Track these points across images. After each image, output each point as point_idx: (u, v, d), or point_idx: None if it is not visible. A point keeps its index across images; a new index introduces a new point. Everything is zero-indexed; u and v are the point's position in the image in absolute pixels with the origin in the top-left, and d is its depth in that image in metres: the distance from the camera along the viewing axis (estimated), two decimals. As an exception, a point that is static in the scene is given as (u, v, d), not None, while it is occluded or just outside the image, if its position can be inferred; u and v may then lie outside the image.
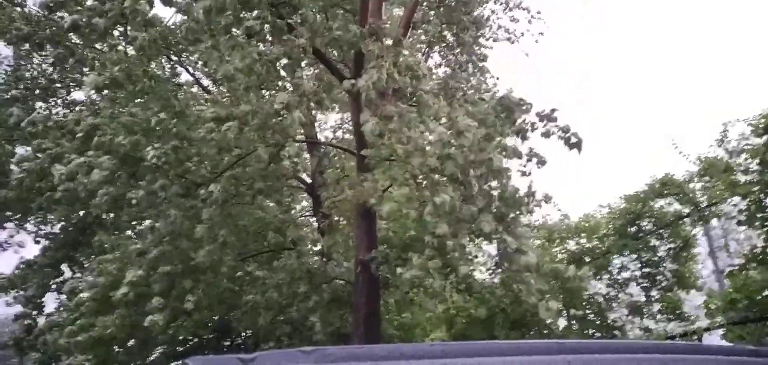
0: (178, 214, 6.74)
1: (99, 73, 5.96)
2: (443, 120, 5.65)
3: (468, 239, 5.41)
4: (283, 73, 7.68)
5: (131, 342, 9.93)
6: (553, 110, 6.31)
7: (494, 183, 5.70)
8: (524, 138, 6.12)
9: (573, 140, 6.22)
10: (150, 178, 6.63)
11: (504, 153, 5.85)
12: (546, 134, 6.29)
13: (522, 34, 12.08)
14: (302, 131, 11.04)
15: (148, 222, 7.06)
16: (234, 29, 6.08)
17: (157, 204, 7.13)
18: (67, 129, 6.48)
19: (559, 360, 1.16)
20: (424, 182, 5.72)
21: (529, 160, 7.05)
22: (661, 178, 10.53)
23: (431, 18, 11.17)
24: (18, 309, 13.10)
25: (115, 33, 7.05)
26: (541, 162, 6.79)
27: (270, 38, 6.98)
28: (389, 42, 7.20)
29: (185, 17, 6.70)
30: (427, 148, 5.55)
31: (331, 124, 15.00)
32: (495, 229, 5.32)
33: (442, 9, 10.88)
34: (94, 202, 6.48)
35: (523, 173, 7.21)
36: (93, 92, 6.19)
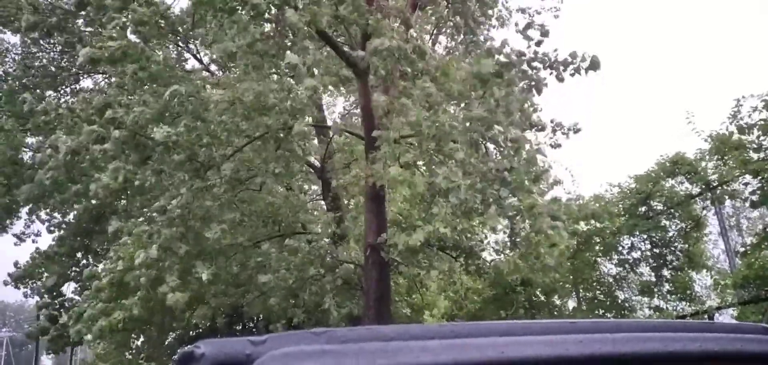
0: (188, 194, 6.75)
1: (94, 47, 5.88)
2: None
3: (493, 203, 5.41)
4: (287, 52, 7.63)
5: (146, 328, 10.02)
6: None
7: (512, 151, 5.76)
8: (539, 91, 6.10)
9: (585, 64, 6.21)
10: (159, 157, 6.64)
11: (525, 124, 5.85)
12: (559, 78, 6.27)
13: (537, 11, 11.91)
14: (310, 116, 11.03)
15: (158, 203, 7.07)
16: (238, 8, 6.05)
17: (167, 186, 7.15)
18: (77, 113, 6.48)
19: (571, 340, 1.15)
20: (435, 149, 5.73)
21: (554, 130, 7.10)
22: (672, 157, 10.42)
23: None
24: (36, 298, 13.26)
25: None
26: (574, 130, 6.84)
27: (274, 20, 6.97)
28: (396, 23, 7.16)
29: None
30: (441, 115, 5.56)
31: (339, 110, 14.96)
32: (512, 190, 5.35)
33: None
34: (104, 178, 6.47)
35: (552, 146, 7.26)
36: (89, 65, 6.09)
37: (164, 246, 6.57)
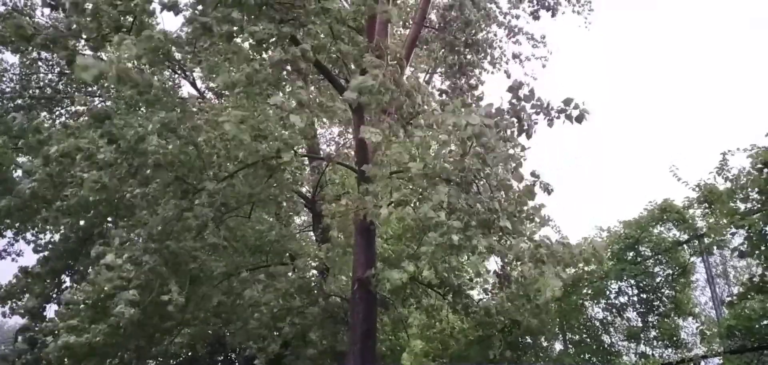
0: (172, 215, 6.72)
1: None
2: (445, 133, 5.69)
3: (481, 237, 5.39)
4: (284, 83, 7.73)
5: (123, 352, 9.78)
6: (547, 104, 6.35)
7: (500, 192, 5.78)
8: (529, 135, 6.15)
9: (575, 112, 6.22)
10: (150, 174, 6.63)
11: (510, 166, 5.88)
12: (550, 123, 6.30)
13: (527, 58, 12.33)
14: (303, 146, 11.08)
15: (140, 213, 7.04)
16: (237, 38, 6.14)
17: (154, 205, 7.12)
18: (70, 129, 6.50)
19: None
20: (425, 185, 5.75)
21: (539, 185, 7.10)
22: (660, 203, 10.51)
23: (435, 41, 11.32)
24: (15, 319, 13.02)
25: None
26: (547, 191, 6.82)
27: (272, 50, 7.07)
28: (393, 61, 7.29)
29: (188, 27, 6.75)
30: (431, 151, 5.61)
31: (334, 139, 15.08)
32: (504, 228, 5.35)
33: (444, 29, 11.03)
34: (91, 182, 6.44)
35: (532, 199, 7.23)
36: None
37: (135, 261, 6.49)
